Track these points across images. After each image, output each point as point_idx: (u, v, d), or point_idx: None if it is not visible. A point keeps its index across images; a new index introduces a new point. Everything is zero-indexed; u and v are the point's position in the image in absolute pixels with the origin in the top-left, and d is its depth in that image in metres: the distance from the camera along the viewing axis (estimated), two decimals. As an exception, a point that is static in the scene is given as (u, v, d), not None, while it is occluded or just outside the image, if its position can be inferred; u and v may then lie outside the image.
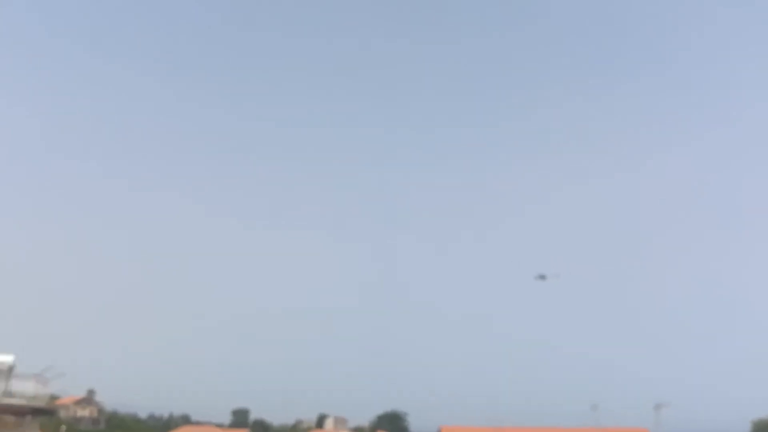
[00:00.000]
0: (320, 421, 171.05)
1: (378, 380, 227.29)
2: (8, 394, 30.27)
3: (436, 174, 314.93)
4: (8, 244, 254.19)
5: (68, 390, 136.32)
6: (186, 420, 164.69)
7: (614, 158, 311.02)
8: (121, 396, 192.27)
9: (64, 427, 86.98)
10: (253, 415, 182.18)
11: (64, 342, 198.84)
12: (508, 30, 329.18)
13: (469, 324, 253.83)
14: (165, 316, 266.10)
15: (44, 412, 33.77)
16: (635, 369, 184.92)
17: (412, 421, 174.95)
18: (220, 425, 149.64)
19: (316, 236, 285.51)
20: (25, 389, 32.32)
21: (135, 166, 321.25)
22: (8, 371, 31.82)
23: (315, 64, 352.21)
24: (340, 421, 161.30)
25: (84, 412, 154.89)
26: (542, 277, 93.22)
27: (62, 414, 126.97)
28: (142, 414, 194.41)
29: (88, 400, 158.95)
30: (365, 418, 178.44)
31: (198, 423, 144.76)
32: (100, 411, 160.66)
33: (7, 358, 33.73)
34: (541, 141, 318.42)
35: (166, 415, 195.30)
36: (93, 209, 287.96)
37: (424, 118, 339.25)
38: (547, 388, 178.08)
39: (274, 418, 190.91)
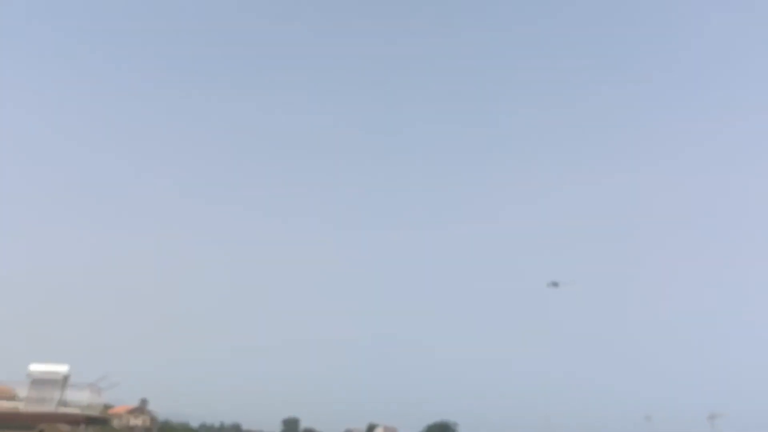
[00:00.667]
0: (370, 431, 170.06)
1: (428, 390, 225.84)
2: (63, 403, 30.25)
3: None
4: (64, 256, 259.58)
5: (122, 399, 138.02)
6: (237, 429, 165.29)
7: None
8: (173, 405, 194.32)
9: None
10: (303, 425, 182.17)
11: (119, 352, 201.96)
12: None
13: (522, 334, 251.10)
14: (218, 327, 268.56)
15: (98, 421, 33.63)
16: (688, 379, 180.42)
17: (462, 431, 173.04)
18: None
19: (363, 245, 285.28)
20: (79, 398, 32.30)
21: (194, 176, 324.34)
22: (63, 381, 31.82)
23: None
24: (389, 431, 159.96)
25: (137, 421, 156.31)
26: (555, 284, 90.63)
27: (115, 423, 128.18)
28: (194, 423, 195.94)
29: (141, 409, 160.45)
30: (415, 428, 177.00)
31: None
32: (153, 420, 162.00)
33: (62, 368, 33.78)
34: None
35: (217, 424, 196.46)
36: (150, 222, 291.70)
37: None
38: (601, 399, 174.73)
39: (324, 428, 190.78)
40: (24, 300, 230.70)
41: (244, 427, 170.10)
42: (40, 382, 31.84)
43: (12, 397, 32.14)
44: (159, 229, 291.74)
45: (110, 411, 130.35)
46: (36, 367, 34.24)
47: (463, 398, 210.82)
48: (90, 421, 30.41)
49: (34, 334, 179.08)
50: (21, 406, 29.45)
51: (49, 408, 29.32)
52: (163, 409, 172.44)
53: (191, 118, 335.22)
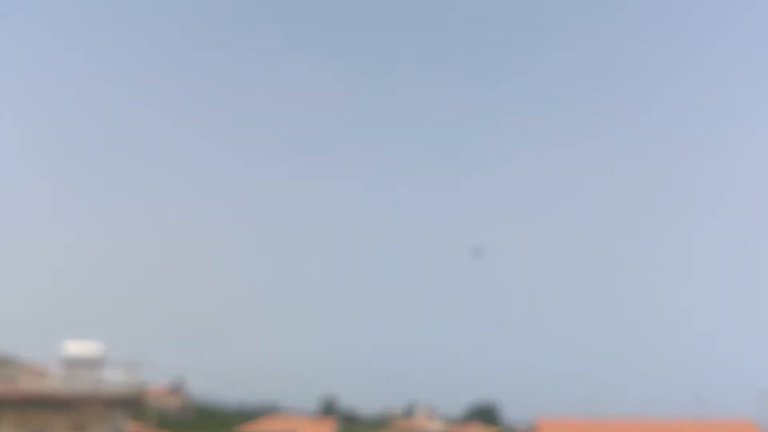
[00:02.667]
0: (410, 410, 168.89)
1: (471, 369, 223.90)
2: (99, 382, 28.69)
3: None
4: (99, 233, 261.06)
5: (158, 379, 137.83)
6: (274, 408, 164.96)
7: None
8: (210, 385, 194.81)
9: (153, 416, 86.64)
10: (341, 404, 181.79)
11: (155, 331, 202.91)
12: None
13: (567, 309, 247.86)
14: (256, 304, 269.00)
15: (134, 401, 31.99)
16: (737, 357, 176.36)
17: (507, 412, 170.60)
18: (307, 413, 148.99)
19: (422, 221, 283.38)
20: (115, 378, 30.81)
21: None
22: (99, 360, 30.35)
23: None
24: (430, 411, 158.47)
25: (173, 401, 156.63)
26: (479, 251, 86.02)
27: (151, 403, 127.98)
28: (231, 402, 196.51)
29: (177, 388, 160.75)
30: (456, 409, 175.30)
31: (286, 411, 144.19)
32: (189, 400, 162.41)
33: (97, 347, 32.34)
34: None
35: (254, 402, 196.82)
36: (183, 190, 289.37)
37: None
38: (649, 377, 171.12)
39: (363, 407, 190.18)
40: (56, 276, 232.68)
41: (282, 406, 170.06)
42: (74, 361, 30.42)
43: (45, 377, 30.74)
44: (194, 197, 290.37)
45: (146, 391, 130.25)
46: (70, 347, 32.85)
47: (508, 378, 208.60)
48: (126, 401, 28.91)
49: (67, 311, 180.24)
50: (55, 387, 27.91)
51: (83, 388, 27.69)
52: (199, 388, 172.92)
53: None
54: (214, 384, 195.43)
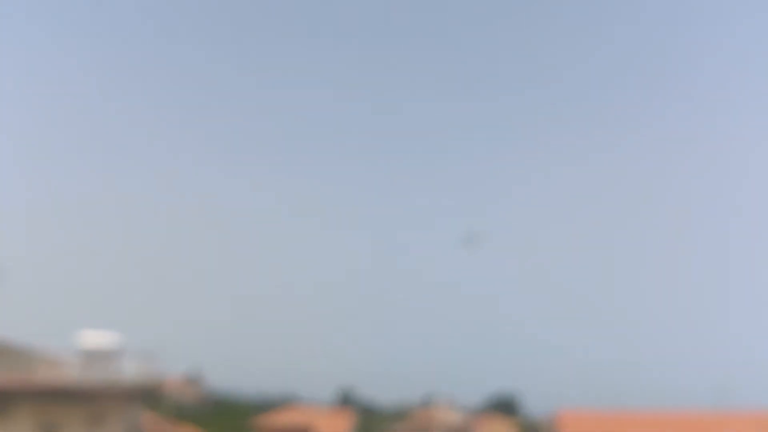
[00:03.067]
0: (428, 401, 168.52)
1: (491, 360, 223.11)
2: (115, 374, 28.30)
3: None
4: (127, 225, 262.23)
5: (174, 369, 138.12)
6: (291, 398, 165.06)
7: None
8: (228, 376, 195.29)
9: (169, 408, 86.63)
10: (359, 395, 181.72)
11: (172, 322, 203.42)
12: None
13: (586, 300, 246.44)
14: (274, 297, 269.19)
15: (150, 393, 31.66)
16: (763, 347, 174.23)
17: (527, 404, 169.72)
18: (325, 404, 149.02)
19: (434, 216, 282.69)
20: (132, 369, 30.42)
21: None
22: (116, 352, 29.98)
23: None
24: (449, 402, 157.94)
25: (190, 392, 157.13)
26: (469, 240, 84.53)
27: (168, 394, 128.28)
28: (248, 393, 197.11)
29: (194, 379, 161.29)
30: (476, 400, 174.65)
31: (304, 402, 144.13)
32: (207, 391, 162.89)
33: (114, 339, 31.97)
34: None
35: (271, 393, 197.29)
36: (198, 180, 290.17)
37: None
38: (671, 368, 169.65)
39: (381, 398, 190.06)
40: (73, 266, 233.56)
41: (300, 397, 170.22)
42: (91, 353, 30.04)
43: (62, 369, 30.39)
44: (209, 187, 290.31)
45: (163, 382, 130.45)
46: (87, 338, 32.52)
47: (527, 368, 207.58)
48: (143, 392, 28.45)
49: (85, 303, 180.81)
50: (71, 378, 27.51)
51: (100, 380, 27.27)
52: (217, 379, 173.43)
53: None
54: (232, 375, 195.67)
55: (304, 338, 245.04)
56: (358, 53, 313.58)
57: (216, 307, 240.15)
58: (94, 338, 33.18)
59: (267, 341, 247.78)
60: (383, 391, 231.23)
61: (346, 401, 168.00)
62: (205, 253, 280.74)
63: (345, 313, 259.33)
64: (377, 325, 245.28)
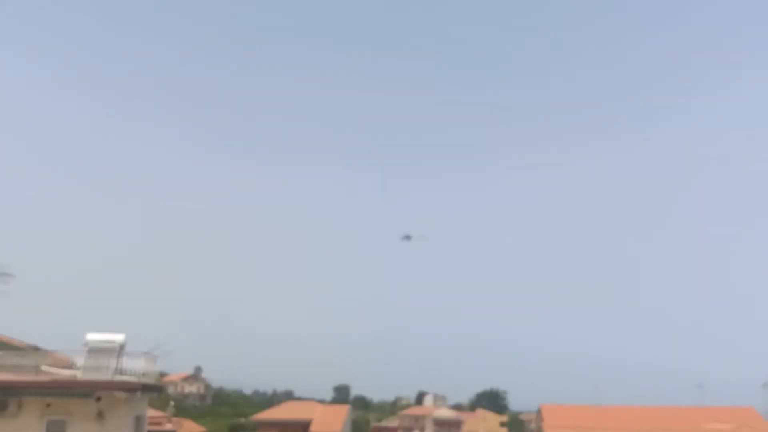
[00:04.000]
0: (419, 398, 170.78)
1: (478, 358, 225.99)
2: (119, 371, 30.48)
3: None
4: (123, 227, 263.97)
5: (176, 367, 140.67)
6: (289, 396, 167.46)
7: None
8: (226, 373, 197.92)
9: (172, 403, 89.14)
10: (354, 392, 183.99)
11: (173, 320, 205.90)
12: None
13: (571, 302, 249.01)
14: (272, 296, 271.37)
15: (153, 389, 33.97)
16: (741, 346, 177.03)
17: (512, 400, 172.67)
18: (321, 401, 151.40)
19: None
20: (135, 367, 32.61)
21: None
22: (120, 350, 32.15)
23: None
24: (439, 399, 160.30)
25: (191, 389, 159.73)
26: (408, 237, 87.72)
27: (170, 390, 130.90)
28: (247, 390, 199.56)
29: (195, 376, 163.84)
30: (465, 396, 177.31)
31: (300, 399, 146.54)
32: (207, 387, 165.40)
33: (118, 337, 34.16)
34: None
35: (269, 391, 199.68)
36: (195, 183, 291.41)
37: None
38: (651, 366, 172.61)
39: (375, 395, 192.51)
40: (79, 267, 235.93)
41: (296, 394, 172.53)
42: (96, 350, 32.18)
43: (70, 366, 32.56)
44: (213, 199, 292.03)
45: (165, 379, 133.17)
46: (93, 336, 34.71)
47: (512, 366, 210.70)
48: (146, 388, 30.68)
49: (90, 302, 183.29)
50: (78, 375, 29.70)
51: (105, 376, 29.52)
52: (216, 376, 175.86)
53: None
54: (231, 372, 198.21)
55: (303, 338, 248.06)
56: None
57: (216, 307, 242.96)
58: (101, 338, 35.23)
59: (267, 340, 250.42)
60: (377, 388, 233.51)
61: (342, 398, 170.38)
62: (208, 255, 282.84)
63: (345, 313, 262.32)
64: (374, 325, 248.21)
